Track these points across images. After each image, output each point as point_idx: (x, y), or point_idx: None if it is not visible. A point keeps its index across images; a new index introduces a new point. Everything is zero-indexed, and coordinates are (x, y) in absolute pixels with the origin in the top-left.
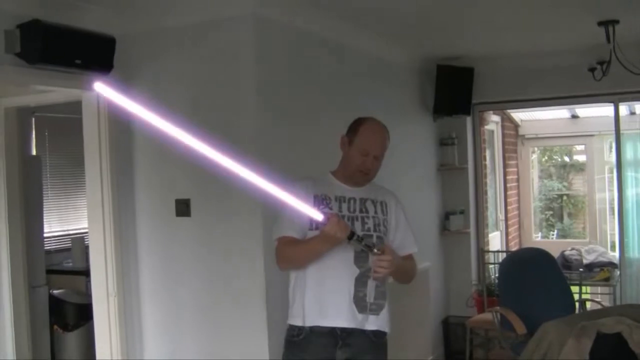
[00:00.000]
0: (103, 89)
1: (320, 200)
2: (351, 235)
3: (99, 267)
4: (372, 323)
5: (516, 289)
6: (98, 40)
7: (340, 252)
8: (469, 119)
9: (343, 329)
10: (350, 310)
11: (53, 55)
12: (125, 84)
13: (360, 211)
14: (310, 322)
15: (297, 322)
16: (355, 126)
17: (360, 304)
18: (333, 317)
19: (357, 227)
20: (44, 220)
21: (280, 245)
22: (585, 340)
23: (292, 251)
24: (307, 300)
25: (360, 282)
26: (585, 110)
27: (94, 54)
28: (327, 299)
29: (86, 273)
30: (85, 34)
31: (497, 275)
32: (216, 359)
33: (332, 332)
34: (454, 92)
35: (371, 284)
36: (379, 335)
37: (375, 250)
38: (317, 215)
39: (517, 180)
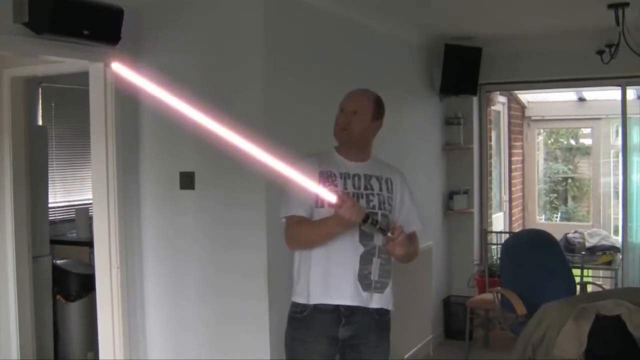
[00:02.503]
0: (120, 68)
1: (325, 177)
2: (366, 218)
3: (103, 238)
4: (376, 301)
5: (518, 270)
6: (106, 12)
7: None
8: (475, 99)
9: (347, 307)
10: (355, 288)
11: (61, 25)
12: (133, 56)
13: (365, 188)
14: (314, 300)
15: (301, 300)
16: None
17: (364, 281)
18: (338, 295)
19: (362, 204)
20: (49, 190)
21: (290, 226)
22: (584, 322)
23: (304, 232)
24: (312, 278)
25: (365, 260)
26: (593, 94)
27: (101, 25)
28: (332, 277)
29: (90, 244)
30: (93, 5)
31: (499, 255)
32: (218, 330)
33: (336, 309)
34: (461, 72)
35: (376, 262)
36: (382, 313)
37: (389, 234)
38: (331, 197)
39: (522, 161)
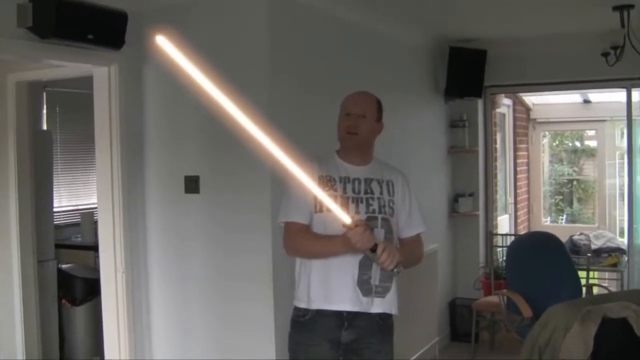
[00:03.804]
0: (164, 42)
1: (324, 182)
2: (374, 248)
3: (108, 242)
4: (378, 306)
5: (523, 273)
6: (110, 16)
7: None
8: (480, 102)
9: (349, 312)
10: (355, 294)
11: (65, 30)
12: (137, 61)
13: (365, 192)
14: (315, 305)
15: (303, 305)
16: (343, 101)
17: (364, 287)
18: (338, 301)
19: (362, 208)
20: (54, 195)
21: (290, 233)
22: (590, 325)
23: (306, 245)
24: (312, 284)
25: (364, 265)
26: (598, 96)
27: (106, 29)
28: (332, 283)
29: (95, 248)
30: (97, 9)
31: (504, 258)
32: (223, 333)
33: (338, 314)
34: (466, 75)
35: (376, 267)
36: (385, 317)
37: (395, 271)
38: (345, 218)
39: (528, 164)
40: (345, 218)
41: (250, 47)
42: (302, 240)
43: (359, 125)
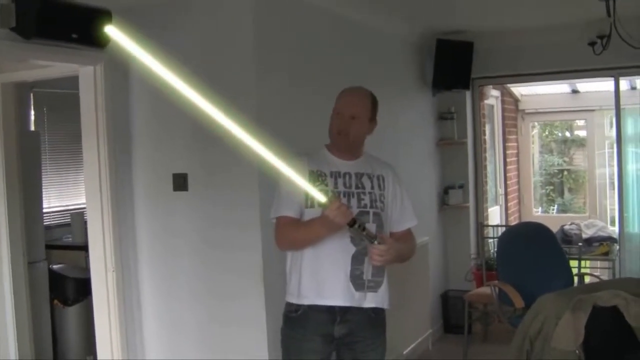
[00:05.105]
0: (114, 32)
1: (315, 177)
2: (352, 222)
3: (97, 242)
4: (370, 300)
5: (515, 263)
6: (94, 15)
7: None
8: (468, 94)
9: (341, 307)
10: (347, 289)
11: (49, 29)
12: (123, 60)
13: (357, 187)
14: (307, 300)
15: (294, 300)
16: (338, 95)
17: (357, 281)
18: (330, 296)
19: (354, 203)
20: (44, 195)
21: (279, 227)
22: (581, 314)
23: (293, 234)
24: (304, 279)
25: (356, 260)
26: (586, 85)
27: (90, 28)
28: (324, 278)
29: (86, 248)
30: (81, 8)
31: (496, 249)
32: (215, 331)
33: (330, 309)
34: (453, 67)
35: (368, 261)
36: (377, 311)
37: (376, 242)
38: (320, 197)
39: (517, 155)
40: (320, 197)
41: (237, 43)
42: (289, 230)
43: (349, 127)
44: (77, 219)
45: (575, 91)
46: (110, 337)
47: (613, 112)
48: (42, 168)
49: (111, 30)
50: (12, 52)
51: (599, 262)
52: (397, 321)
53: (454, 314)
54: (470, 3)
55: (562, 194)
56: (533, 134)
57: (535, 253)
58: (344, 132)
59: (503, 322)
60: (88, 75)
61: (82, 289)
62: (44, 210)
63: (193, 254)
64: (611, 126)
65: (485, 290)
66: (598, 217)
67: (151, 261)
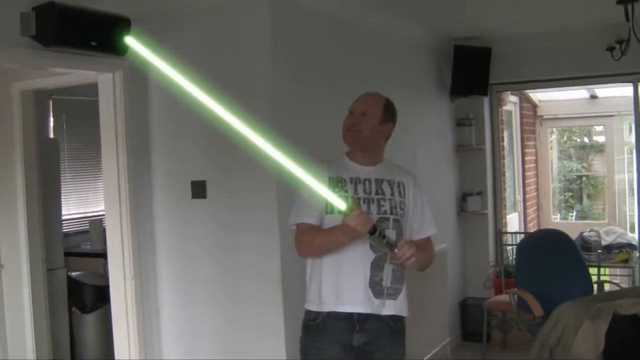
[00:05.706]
0: (133, 43)
1: (335, 183)
2: (373, 230)
3: (116, 249)
4: (390, 308)
5: (534, 271)
6: (113, 22)
7: None
8: (486, 100)
9: (360, 314)
10: (367, 296)
11: (68, 37)
12: (142, 67)
13: (377, 193)
14: (327, 308)
15: (314, 308)
16: None
17: (376, 288)
18: (349, 302)
19: (373, 209)
20: (62, 203)
21: (299, 234)
22: (601, 322)
23: (313, 241)
24: (324, 286)
25: (376, 267)
26: (605, 91)
27: (109, 35)
28: (343, 284)
29: (104, 255)
30: (100, 16)
31: (514, 256)
32: (233, 336)
33: (349, 317)
34: (471, 73)
35: (387, 268)
36: (396, 319)
37: (396, 251)
38: (340, 204)
39: (536, 161)
40: (340, 204)
41: (253, 50)
42: (309, 237)
43: (359, 122)
44: (96, 226)
45: (593, 97)
46: (128, 344)
47: (632, 118)
48: (61, 175)
49: (131, 41)
50: (32, 59)
51: (618, 269)
52: (415, 329)
53: (472, 322)
54: (487, 9)
55: (580, 201)
56: (551, 139)
57: (554, 260)
58: (354, 127)
59: (522, 330)
60: (107, 83)
61: (101, 296)
62: (63, 218)
63: (211, 260)
64: (630, 132)
65: (504, 297)
66: (617, 224)
67: (170, 268)
